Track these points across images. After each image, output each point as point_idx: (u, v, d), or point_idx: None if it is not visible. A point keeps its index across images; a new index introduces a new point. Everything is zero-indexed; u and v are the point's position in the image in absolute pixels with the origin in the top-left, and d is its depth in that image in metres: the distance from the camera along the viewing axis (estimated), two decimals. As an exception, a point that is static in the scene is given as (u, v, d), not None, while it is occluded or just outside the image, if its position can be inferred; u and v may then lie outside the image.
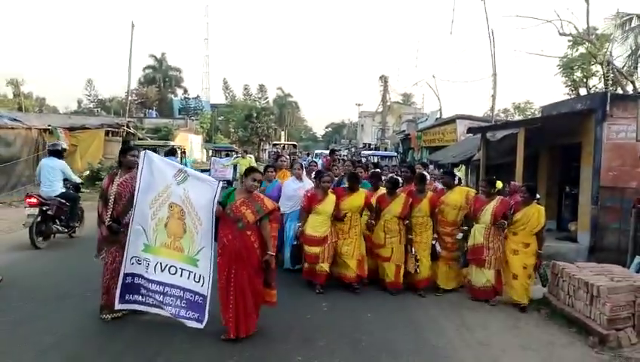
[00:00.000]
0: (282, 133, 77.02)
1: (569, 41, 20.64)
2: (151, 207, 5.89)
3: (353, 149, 57.83)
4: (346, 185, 8.30)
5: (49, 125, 19.48)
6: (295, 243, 8.08)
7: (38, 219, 9.91)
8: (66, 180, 10.59)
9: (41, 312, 6.40)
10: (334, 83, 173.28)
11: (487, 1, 21.17)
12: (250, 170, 6.06)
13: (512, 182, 9.65)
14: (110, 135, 23.77)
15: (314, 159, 18.38)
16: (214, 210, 5.69)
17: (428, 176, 8.76)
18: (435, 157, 22.13)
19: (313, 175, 8.87)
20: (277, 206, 6.20)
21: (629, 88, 19.13)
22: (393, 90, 53.62)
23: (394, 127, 55.70)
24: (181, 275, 5.81)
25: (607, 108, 10.31)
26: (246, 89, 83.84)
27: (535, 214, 7.40)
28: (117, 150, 8.39)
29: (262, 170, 8.03)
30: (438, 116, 32.70)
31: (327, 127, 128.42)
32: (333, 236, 7.84)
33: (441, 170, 13.79)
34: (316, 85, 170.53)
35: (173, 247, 5.85)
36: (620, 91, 18.46)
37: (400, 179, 8.39)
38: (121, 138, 24.14)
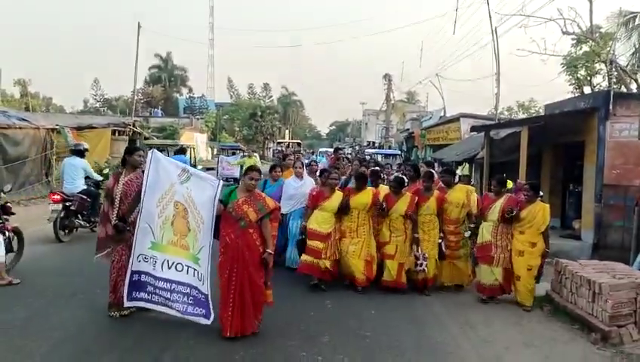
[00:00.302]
0: (287, 131, 77.22)
1: (573, 39, 20.65)
2: (157, 206, 5.98)
3: (357, 147, 57.89)
4: (353, 185, 8.32)
5: (57, 125, 19.61)
6: (300, 237, 8.06)
7: (62, 214, 10.50)
8: (87, 178, 11.22)
9: (52, 309, 6.52)
10: (338, 81, 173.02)
11: (491, 1, 21.11)
12: (248, 169, 6.10)
13: (518, 181, 9.70)
14: (117, 134, 23.89)
15: (314, 158, 18.46)
16: (215, 208, 5.76)
17: (436, 175, 8.76)
18: (439, 155, 22.17)
19: (318, 173, 8.94)
20: (278, 205, 6.26)
21: (633, 86, 19.15)
22: (397, 89, 53.61)
23: (398, 125, 55.66)
24: (187, 272, 5.91)
25: (611, 107, 10.39)
26: (250, 88, 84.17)
27: (540, 211, 7.41)
28: (123, 149, 8.65)
29: (267, 169, 8.11)
30: (442, 114, 32.67)
31: (331, 126, 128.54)
32: (337, 233, 7.88)
33: (459, 169, 13.91)
34: (320, 84, 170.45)
35: (180, 245, 5.94)
36: (623, 89, 18.50)
37: (405, 178, 8.40)
38: (127, 137, 24.27)
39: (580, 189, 11.83)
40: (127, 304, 6.05)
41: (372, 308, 7.08)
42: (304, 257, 7.77)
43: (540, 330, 6.56)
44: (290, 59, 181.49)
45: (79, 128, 21.18)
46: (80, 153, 11.33)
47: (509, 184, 8.36)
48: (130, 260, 6.02)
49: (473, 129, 17.22)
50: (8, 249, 7.90)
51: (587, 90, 22.45)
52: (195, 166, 19.27)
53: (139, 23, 28.81)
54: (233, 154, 28.11)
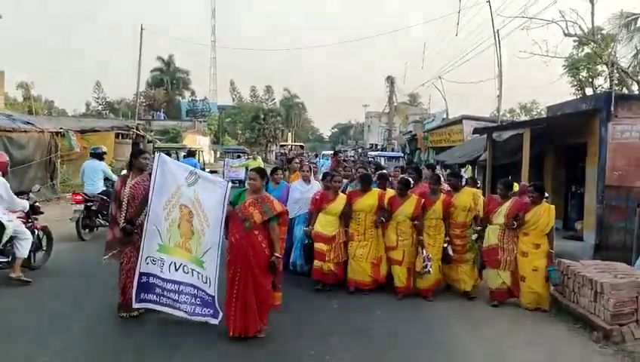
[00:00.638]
0: (289, 134, 77.31)
1: (574, 41, 20.76)
2: (164, 208, 6.09)
3: (360, 150, 57.93)
4: (356, 188, 8.37)
5: (61, 128, 19.73)
6: (307, 242, 8.08)
7: (83, 214, 11.11)
8: (106, 179, 11.67)
9: (64, 310, 6.64)
10: (341, 84, 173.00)
11: (493, 3, 21.24)
12: (250, 170, 6.26)
13: (522, 183, 9.75)
14: (120, 137, 24.00)
15: (314, 161, 18.47)
16: (225, 210, 5.84)
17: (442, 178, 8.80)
18: (442, 157, 22.24)
19: (321, 177, 8.97)
20: (286, 209, 6.28)
21: (635, 88, 19.22)
22: (399, 91, 53.68)
23: (400, 127, 55.73)
24: (192, 275, 6.01)
25: (612, 109, 10.43)
26: (253, 90, 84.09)
27: (545, 213, 7.43)
28: (127, 152, 8.97)
29: (269, 172, 8.15)
30: (445, 117, 32.77)
31: (333, 128, 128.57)
32: (342, 236, 7.90)
33: (448, 171, 13.91)
34: (323, 86, 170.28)
35: (185, 248, 6.05)
36: (625, 91, 18.58)
37: (411, 180, 8.34)
38: (130, 140, 24.37)
39: (582, 191, 11.89)
40: (135, 305, 6.15)
41: (378, 309, 7.18)
42: (315, 262, 7.85)
43: (543, 329, 6.66)
44: (293, 62, 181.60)
45: (83, 131, 21.28)
46: (99, 156, 11.97)
47: (516, 187, 8.33)
48: (138, 262, 6.11)
49: (476, 131, 17.31)
50: (38, 247, 8.36)
51: (589, 91, 22.57)
52: (203, 169, 19.53)
53: (142, 25, 28.92)
54: (238, 157, 28.44)
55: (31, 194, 8.70)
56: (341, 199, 7.95)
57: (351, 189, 8.67)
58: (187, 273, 6.04)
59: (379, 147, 52.63)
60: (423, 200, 7.89)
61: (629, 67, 19.68)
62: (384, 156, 32.45)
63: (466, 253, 8.00)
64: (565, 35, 19.28)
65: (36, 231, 8.26)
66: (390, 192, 8.32)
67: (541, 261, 7.35)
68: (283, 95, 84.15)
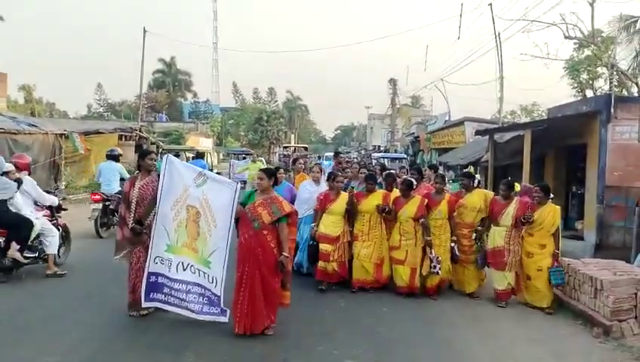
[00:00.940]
0: (292, 136, 77.39)
1: (575, 43, 20.89)
2: (172, 209, 6.20)
3: (363, 151, 58.06)
4: (356, 189, 8.42)
5: (65, 130, 19.87)
6: (312, 243, 8.04)
7: (101, 212, 11.71)
8: (122, 180, 11.88)
9: (74, 307, 6.81)
10: (343, 86, 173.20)
11: (494, 6, 21.39)
12: (259, 171, 6.39)
13: (523, 184, 9.85)
14: (123, 139, 24.13)
15: (317, 162, 18.56)
16: (234, 210, 5.95)
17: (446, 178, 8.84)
18: (444, 158, 22.39)
19: (325, 177, 9.00)
20: (295, 209, 6.34)
21: (634, 90, 19.34)
22: (402, 93, 53.77)
23: (403, 129, 55.87)
24: (199, 275, 6.14)
25: (612, 110, 10.57)
26: (255, 92, 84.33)
27: (550, 214, 7.46)
28: (130, 154, 9.38)
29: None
30: (447, 118, 32.88)
31: (336, 130, 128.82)
32: (346, 236, 7.97)
33: (461, 171, 14.01)
34: (325, 88, 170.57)
35: (192, 248, 6.16)
36: (625, 93, 18.70)
37: (414, 180, 8.38)
38: (133, 142, 24.50)
39: (582, 191, 12.02)
40: (144, 304, 6.26)
41: (383, 306, 7.32)
42: (319, 263, 7.88)
43: (544, 326, 6.80)
44: (296, 64, 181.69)
45: (87, 133, 21.38)
46: (115, 158, 12.58)
47: (517, 187, 8.33)
48: (147, 262, 6.23)
49: (478, 133, 17.48)
50: (61, 244, 8.73)
51: (589, 93, 22.69)
52: (211, 170, 19.78)
53: (144, 28, 29.03)
54: (244, 158, 28.84)
55: (56, 192, 9.31)
56: (343, 198, 7.99)
57: (354, 189, 8.73)
58: (194, 273, 6.15)
59: (382, 148, 52.70)
60: (427, 200, 7.90)
61: (628, 69, 19.80)
62: (387, 157, 32.52)
63: (472, 254, 7.97)
64: (566, 37, 19.42)
65: (60, 228, 8.73)
66: (396, 193, 8.35)
67: (546, 261, 7.38)
68: (286, 97, 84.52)
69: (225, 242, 6.02)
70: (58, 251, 8.54)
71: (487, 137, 15.59)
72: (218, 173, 18.11)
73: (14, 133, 16.81)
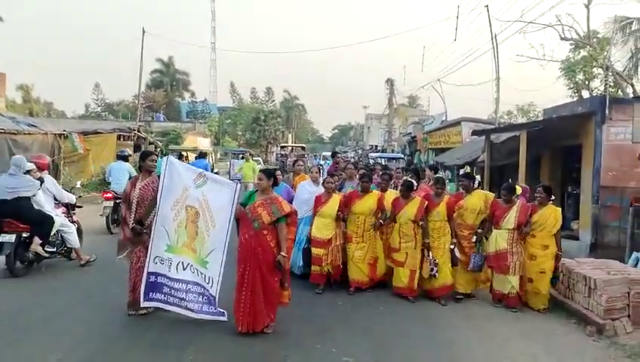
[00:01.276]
0: (289, 135, 77.43)
1: (571, 44, 21.01)
2: (172, 209, 6.29)
3: (360, 151, 58.12)
4: (349, 189, 8.40)
5: (64, 130, 19.93)
6: (306, 246, 8.09)
7: (112, 210, 12.34)
8: (131, 178, 12.32)
9: (75, 306, 6.89)
10: (341, 86, 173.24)
11: (491, 7, 21.49)
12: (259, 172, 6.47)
13: (522, 185, 9.88)
14: (122, 139, 24.15)
15: (320, 162, 18.59)
16: (234, 210, 6.05)
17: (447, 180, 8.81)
18: (441, 159, 22.46)
19: (321, 179, 8.91)
20: (294, 209, 6.38)
21: (630, 91, 19.46)
22: (399, 93, 53.86)
23: (400, 129, 55.91)
24: (198, 274, 6.23)
25: (607, 111, 10.67)
26: (253, 92, 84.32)
27: (552, 215, 7.50)
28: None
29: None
30: (444, 119, 32.98)
31: (333, 130, 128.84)
32: (338, 238, 7.92)
33: (458, 171, 14.04)
34: (323, 88, 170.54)
35: (190, 248, 6.26)
36: (620, 94, 18.83)
37: (414, 182, 8.29)
38: (132, 142, 24.51)
39: (577, 191, 12.10)
40: (143, 304, 6.34)
41: (380, 305, 7.43)
42: (312, 267, 7.91)
43: (538, 324, 6.91)
44: (293, 64, 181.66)
45: (85, 133, 21.41)
46: (124, 158, 13.26)
47: (518, 190, 8.28)
48: (147, 262, 6.31)
49: (474, 133, 17.57)
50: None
51: (585, 94, 22.81)
52: (212, 170, 20.05)
53: (143, 28, 29.08)
54: (242, 158, 29.08)
55: (73, 191, 9.87)
56: (334, 200, 7.93)
57: (351, 189, 8.71)
58: (193, 272, 6.25)
59: (379, 148, 52.78)
60: (427, 202, 7.84)
61: (624, 70, 19.92)
62: (385, 157, 32.60)
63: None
64: (562, 39, 19.52)
65: (76, 224, 9.33)
66: (391, 193, 8.38)
67: (548, 263, 7.42)
68: (283, 97, 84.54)
69: (223, 242, 6.11)
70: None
71: (483, 137, 15.68)
72: (216, 173, 18.31)
73: (14, 134, 16.86)
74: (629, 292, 6.60)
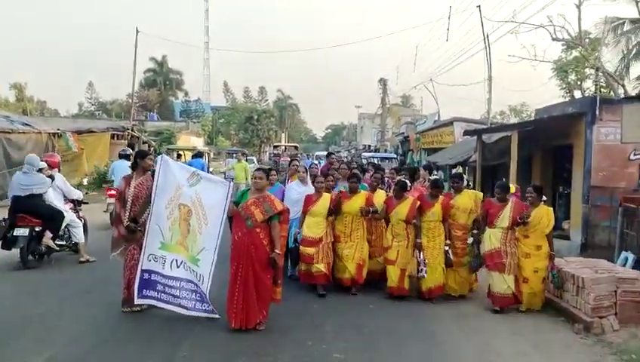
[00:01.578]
0: (283, 135, 77.47)
1: (563, 45, 21.14)
2: (167, 208, 6.37)
3: (353, 151, 58.18)
4: (342, 189, 8.35)
5: (58, 129, 19.94)
6: (293, 246, 8.08)
7: None
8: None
9: (72, 303, 6.97)
10: (334, 85, 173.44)
11: (483, 8, 21.60)
12: (255, 170, 6.54)
13: (516, 185, 9.92)
14: (115, 138, 24.16)
15: (314, 161, 18.58)
16: (226, 208, 6.13)
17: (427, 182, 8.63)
18: (433, 158, 22.52)
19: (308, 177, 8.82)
20: (287, 207, 6.46)
21: (621, 91, 19.60)
22: (392, 93, 53.98)
23: (393, 128, 56.03)
24: (190, 272, 6.31)
25: (597, 112, 10.77)
26: (246, 92, 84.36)
27: (545, 215, 7.50)
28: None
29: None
30: (437, 118, 33.07)
31: (327, 129, 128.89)
32: (329, 237, 7.86)
33: (450, 171, 14.08)
34: (316, 87, 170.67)
35: (183, 245, 6.33)
36: (612, 95, 18.98)
37: (408, 182, 8.30)
38: (126, 141, 24.52)
39: (569, 191, 12.19)
40: (137, 301, 6.41)
41: (370, 303, 7.51)
42: (301, 266, 7.92)
43: (527, 322, 7.01)
44: (287, 63, 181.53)
45: (79, 132, 21.44)
46: (127, 157, 13.16)
47: (512, 189, 8.25)
48: (141, 259, 6.39)
49: (466, 133, 17.65)
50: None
51: (578, 94, 22.96)
52: (208, 169, 20.19)
53: (137, 28, 29.03)
54: (244, 157, 29.62)
55: (79, 188, 10.39)
56: (325, 199, 7.87)
57: (343, 189, 8.60)
58: (186, 270, 6.32)
59: (372, 148, 52.84)
60: (419, 202, 7.82)
61: (615, 71, 20.06)
62: (378, 157, 32.67)
63: (464, 256, 7.90)
64: (553, 39, 19.62)
65: (82, 220, 9.79)
66: (380, 194, 8.38)
67: (542, 262, 7.43)
68: (276, 96, 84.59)
69: (215, 240, 6.18)
70: None
71: (475, 137, 15.78)
72: (211, 173, 18.39)
73: (8, 133, 16.90)
74: (616, 291, 6.68)
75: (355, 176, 8.42)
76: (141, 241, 6.46)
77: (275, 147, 48.54)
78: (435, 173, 13.66)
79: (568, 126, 11.65)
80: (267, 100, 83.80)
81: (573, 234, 11.41)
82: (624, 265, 8.52)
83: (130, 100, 35.58)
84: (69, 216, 9.30)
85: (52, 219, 8.85)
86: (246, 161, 23.36)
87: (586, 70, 21.85)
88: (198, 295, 6.27)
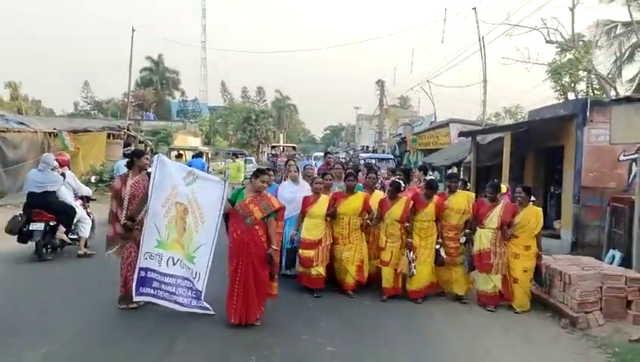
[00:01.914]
0: (281, 135, 77.45)
1: (556, 47, 21.27)
2: (163, 206, 6.48)
3: (351, 152, 58.32)
4: (337, 190, 8.38)
5: (54, 128, 19.97)
6: (290, 246, 8.06)
7: None
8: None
9: (68, 301, 7.05)
10: (332, 86, 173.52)
11: (478, 10, 21.77)
12: (259, 172, 6.58)
13: (507, 186, 10.03)
14: (111, 137, 24.15)
15: (308, 162, 18.66)
16: (222, 207, 6.25)
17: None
18: (429, 159, 22.63)
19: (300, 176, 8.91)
20: (283, 205, 6.63)
21: (613, 93, 19.75)
22: (390, 94, 54.10)
23: (391, 129, 56.15)
24: (187, 269, 6.42)
25: (588, 114, 10.94)
26: (244, 92, 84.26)
27: (534, 216, 7.56)
28: (118, 152, 10.56)
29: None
30: (433, 120, 33.16)
31: (325, 130, 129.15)
32: (328, 239, 7.82)
33: (446, 172, 14.17)
34: (314, 88, 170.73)
35: (179, 244, 6.44)
36: (605, 97, 19.13)
37: (402, 182, 8.34)
38: (122, 140, 24.56)
39: (560, 191, 12.34)
40: (135, 299, 6.52)
41: (366, 300, 7.64)
42: (300, 268, 7.92)
43: (516, 317, 7.22)
44: (285, 64, 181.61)
45: (75, 132, 21.37)
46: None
47: (503, 189, 8.33)
48: (138, 257, 6.50)
49: (461, 134, 17.80)
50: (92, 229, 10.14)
51: (571, 96, 23.09)
52: (208, 169, 20.28)
53: (132, 27, 29.06)
54: (236, 157, 29.72)
55: (88, 185, 10.88)
56: (323, 201, 7.89)
57: (339, 189, 8.62)
58: (183, 267, 6.43)
59: (370, 149, 52.97)
60: (412, 202, 7.83)
61: (608, 73, 20.21)
62: (375, 158, 32.77)
63: (458, 256, 7.92)
64: (547, 42, 19.72)
65: (91, 216, 10.21)
66: (377, 195, 8.45)
67: (530, 262, 7.50)
68: (275, 96, 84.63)
69: (211, 238, 6.28)
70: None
71: (470, 139, 15.92)
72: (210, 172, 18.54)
73: (3, 132, 16.89)
74: (601, 287, 6.89)
75: (351, 174, 8.44)
76: (138, 239, 6.55)
77: (273, 147, 48.55)
78: (431, 173, 13.77)
79: (560, 127, 11.82)
80: (265, 100, 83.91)
81: (564, 234, 11.56)
82: (611, 263, 8.70)
83: (126, 99, 35.56)
84: (80, 211, 9.78)
85: (65, 214, 9.38)
86: (245, 161, 23.53)
87: (580, 72, 21.98)
88: (193, 292, 6.37)
